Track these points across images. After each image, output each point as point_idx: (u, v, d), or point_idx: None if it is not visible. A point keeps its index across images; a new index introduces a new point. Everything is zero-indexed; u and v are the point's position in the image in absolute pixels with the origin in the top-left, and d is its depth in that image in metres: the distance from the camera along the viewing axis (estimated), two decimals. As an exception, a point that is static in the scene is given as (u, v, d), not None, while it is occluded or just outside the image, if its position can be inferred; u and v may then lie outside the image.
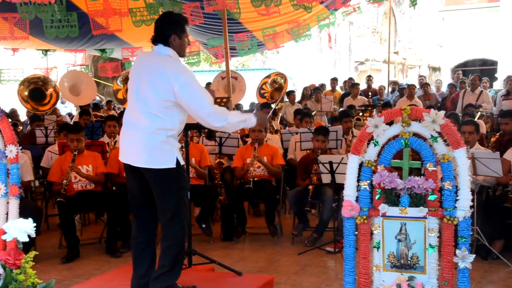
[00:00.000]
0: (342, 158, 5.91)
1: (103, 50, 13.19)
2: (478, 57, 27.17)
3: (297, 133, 8.04)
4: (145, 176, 3.86)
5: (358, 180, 3.50)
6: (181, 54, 3.99)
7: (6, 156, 3.68)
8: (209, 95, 3.91)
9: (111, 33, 10.44)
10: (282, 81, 12.72)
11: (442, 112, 3.40)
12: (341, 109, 12.14)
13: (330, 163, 5.96)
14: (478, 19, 25.85)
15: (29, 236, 3.17)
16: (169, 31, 3.89)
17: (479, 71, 22.56)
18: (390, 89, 15.76)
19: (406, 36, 28.52)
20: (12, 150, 3.68)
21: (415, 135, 3.43)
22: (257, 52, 19.72)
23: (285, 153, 8.14)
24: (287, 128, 10.40)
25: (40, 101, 11.73)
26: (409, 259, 3.42)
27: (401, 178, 3.42)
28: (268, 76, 13.13)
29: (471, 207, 3.33)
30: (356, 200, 3.49)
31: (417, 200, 3.38)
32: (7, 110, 12.59)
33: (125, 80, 11.61)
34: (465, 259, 3.28)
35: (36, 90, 11.76)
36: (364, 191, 3.47)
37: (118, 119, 8.01)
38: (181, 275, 4.00)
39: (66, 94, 12.61)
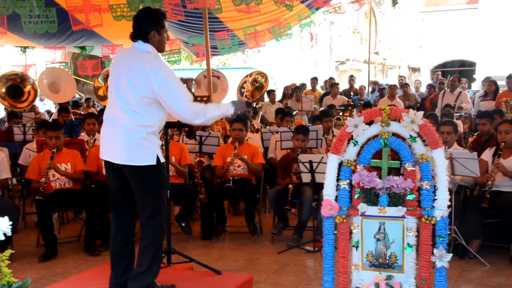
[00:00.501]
0: (322, 157, 5.92)
1: (82, 48, 13.01)
2: (457, 58, 27.52)
3: (277, 132, 8.02)
4: (125, 173, 3.84)
5: (338, 180, 3.52)
6: (161, 49, 3.99)
7: (-17, 154, 3.64)
8: (188, 93, 3.91)
9: (91, 29, 10.31)
10: (262, 80, 12.75)
11: (421, 113, 3.42)
12: (321, 108, 12.19)
13: (310, 162, 5.97)
14: (457, 20, 26.19)
15: (5, 234, 3.13)
16: (148, 27, 3.87)
17: (458, 72, 22.80)
18: (370, 89, 15.87)
19: (386, 36, 28.72)
20: (-11, 148, 3.63)
21: (394, 135, 3.45)
22: (238, 51, 19.72)
23: (266, 152, 8.14)
24: (267, 127, 10.41)
25: (18, 98, 11.62)
26: (388, 258, 3.44)
27: (380, 177, 3.44)
28: (249, 75, 13.15)
29: (449, 206, 3.36)
30: (336, 200, 3.50)
31: (396, 199, 3.40)
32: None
33: (107, 78, 11.50)
34: (442, 258, 3.31)
35: (14, 87, 11.65)
36: (343, 191, 3.48)
37: (97, 117, 7.97)
38: (160, 274, 3.98)
39: (45, 92, 12.47)
